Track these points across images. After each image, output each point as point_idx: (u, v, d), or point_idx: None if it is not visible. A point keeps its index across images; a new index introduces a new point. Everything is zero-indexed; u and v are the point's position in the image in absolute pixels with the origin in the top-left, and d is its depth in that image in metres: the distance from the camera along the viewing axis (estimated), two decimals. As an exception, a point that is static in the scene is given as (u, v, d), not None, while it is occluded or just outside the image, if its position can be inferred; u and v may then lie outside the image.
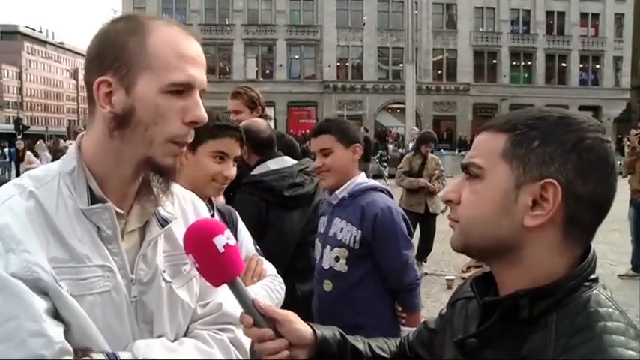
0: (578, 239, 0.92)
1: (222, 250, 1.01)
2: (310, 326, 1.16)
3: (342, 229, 2.36)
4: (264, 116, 3.64)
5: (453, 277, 6.84)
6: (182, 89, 1.03)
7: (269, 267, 1.91)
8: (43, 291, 0.95)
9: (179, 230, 1.17)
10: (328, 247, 2.39)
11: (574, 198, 0.89)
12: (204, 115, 1.05)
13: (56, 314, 0.97)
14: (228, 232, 1.04)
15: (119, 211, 1.07)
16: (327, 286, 2.39)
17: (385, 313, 2.41)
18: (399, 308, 2.44)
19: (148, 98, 1.01)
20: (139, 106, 1.01)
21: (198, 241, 1.02)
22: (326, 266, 2.39)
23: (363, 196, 2.39)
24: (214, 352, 1.14)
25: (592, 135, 0.90)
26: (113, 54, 1.02)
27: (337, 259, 2.36)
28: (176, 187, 1.19)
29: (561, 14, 42.70)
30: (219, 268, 1.02)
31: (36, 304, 0.93)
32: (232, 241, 1.03)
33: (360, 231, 2.32)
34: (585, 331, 0.84)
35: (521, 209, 0.90)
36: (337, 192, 2.39)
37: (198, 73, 1.05)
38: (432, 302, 5.87)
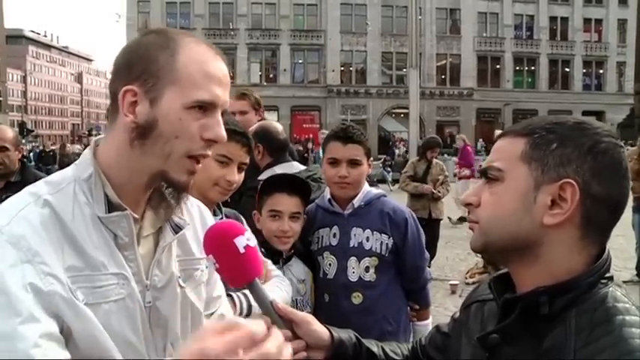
0: (595, 238, 0.96)
1: (242, 250, 1.02)
2: (327, 328, 1.18)
3: (367, 238, 2.30)
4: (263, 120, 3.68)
5: (457, 282, 6.84)
6: (205, 107, 1.05)
7: (274, 269, 1.93)
8: (52, 310, 0.94)
9: (190, 236, 1.20)
10: (353, 258, 2.29)
11: (590, 198, 0.92)
12: (224, 134, 1.08)
13: (68, 332, 0.96)
14: (248, 234, 1.05)
15: (135, 216, 1.08)
16: (357, 298, 2.30)
17: (405, 315, 2.44)
18: (416, 307, 2.47)
19: (171, 112, 1.03)
20: (161, 119, 1.03)
21: (220, 241, 1.03)
22: (353, 279, 2.30)
23: (379, 203, 2.37)
24: None
25: (607, 139, 0.94)
26: (142, 65, 1.04)
27: (367, 269, 2.29)
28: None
29: (564, 19, 42.72)
30: (239, 268, 1.03)
31: (33, 327, 0.90)
32: (253, 242, 1.04)
33: (391, 238, 2.30)
34: (605, 325, 0.88)
35: (541, 208, 0.94)
36: (354, 201, 2.34)
37: (222, 93, 1.07)
38: (436, 307, 5.85)
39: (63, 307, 0.95)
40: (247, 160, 1.91)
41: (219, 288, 1.25)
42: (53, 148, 23.93)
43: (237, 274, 1.05)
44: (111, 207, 1.05)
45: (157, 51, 1.04)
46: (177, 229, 1.16)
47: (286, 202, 2.20)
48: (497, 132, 12.88)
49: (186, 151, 1.05)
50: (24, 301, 0.91)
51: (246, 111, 3.56)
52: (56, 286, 0.95)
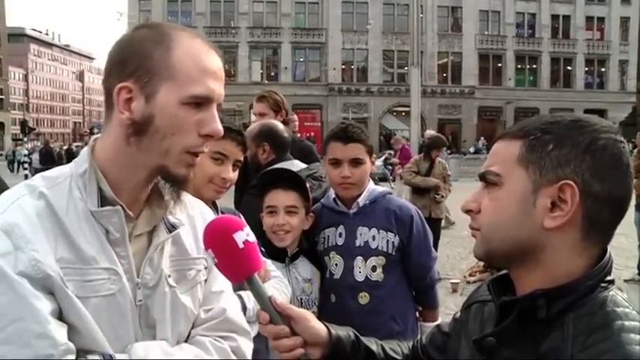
0: (597, 239, 0.93)
1: (241, 246, 1.02)
2: (325, 325, 1.17)
3: (373, 237, 2.27)
4: (287, 120, 3.69)
5: (457, 280, 6.82)
6: (201, 102, 1.04)
7: (274, 270, 1.93)
8: (49, 291, 0.96)
9: (186, 236, 1.18)
10: (359, 258, 2.27)
11: (591, 198, 0.90)
12: (221, 128, 1.07)
13: (61, 315, 0.97)
14: (247, 229, 1.05)
15: (129, 213, 1.08)
16: (363, 299, 2.27)
17: (413, 316, 2.42)
18: (420, 308, 2.45)
19: (167, 108, 1.02)
20: (158, 115, 1.02)
21: (219, 236, 1.03)
22: (360, 279, 2.26)
23: (384, 201, 2.34)
24: None
25: (605, 135, 0.92)
26: (136, 61, 1.03)
27: (374, 268, 2.27)
28: (185, 195, 1.20)
29: (566, 17, 42.64)
30: (238, 264, 1.03)
31: (41, 306, 0.93)
32: (252, 238, 1.04)
33: (397, 236, 2.27)
34: (603, 330, 0.85)
35: (541, 212, 0.92)
36: (359, 200, 2.31)
37: (217, 87, 1.07)
38: (438, 306, 5.85)
39: (56, 293, 0.97)
40: (242, 158, 1.91)
41: (220, 283, 1.23)
42: (61, 144, 23.95)
43: (236, 269, 1.05)
44: (105, 202, 1.06)
45: (152, 46, 1.04)
46: (171, 228, 1.15)
47: (281, 197, 2.20)
48: (428, 131, 12.11)
49: (184, 146, 1.04)
50: (23, 284, 0.93)
51: (265, 113, 3.63)
52: (48, 273, 0.96)
